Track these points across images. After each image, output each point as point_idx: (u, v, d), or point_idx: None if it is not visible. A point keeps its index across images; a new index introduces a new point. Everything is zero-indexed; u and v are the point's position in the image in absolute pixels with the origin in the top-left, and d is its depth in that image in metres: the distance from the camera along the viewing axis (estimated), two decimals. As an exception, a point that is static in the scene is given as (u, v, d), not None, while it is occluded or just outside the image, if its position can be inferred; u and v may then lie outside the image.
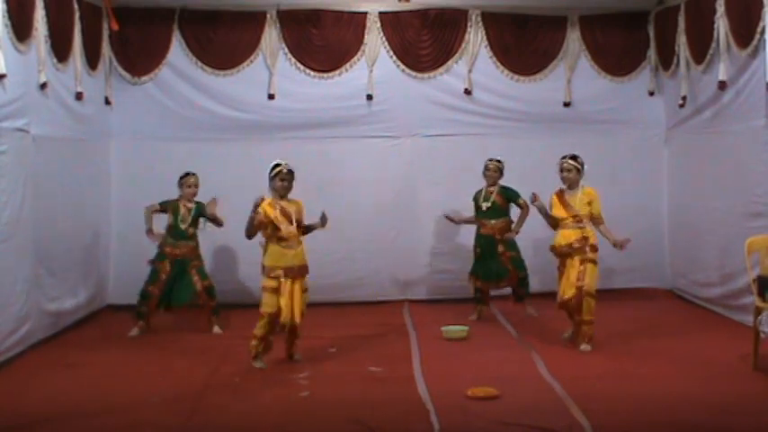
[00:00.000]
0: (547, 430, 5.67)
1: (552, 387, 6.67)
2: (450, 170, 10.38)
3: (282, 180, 7.37)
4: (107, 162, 10.16)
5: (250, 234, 7.35)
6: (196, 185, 8.93)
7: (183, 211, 8.83)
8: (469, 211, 9.55)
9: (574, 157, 7.93)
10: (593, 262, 7.81)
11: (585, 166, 7.92)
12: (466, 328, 8.57)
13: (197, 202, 8.91)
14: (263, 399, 6.54)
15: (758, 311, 6.95)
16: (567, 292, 7.81)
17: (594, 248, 7.83)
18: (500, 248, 9.19)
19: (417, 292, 10.47)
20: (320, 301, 9.66)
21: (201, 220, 8.90)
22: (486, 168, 9.29)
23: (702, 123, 9.61)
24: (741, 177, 8.71)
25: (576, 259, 7.79)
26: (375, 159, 10.36)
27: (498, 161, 9.28)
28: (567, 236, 7.86)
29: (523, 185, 9.52)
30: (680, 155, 10.35)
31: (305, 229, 7.54)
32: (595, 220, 7.90)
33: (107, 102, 10.03)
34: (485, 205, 9.25)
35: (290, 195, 7.44)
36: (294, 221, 7.35)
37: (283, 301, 7.26)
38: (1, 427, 5.83)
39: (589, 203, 7.85)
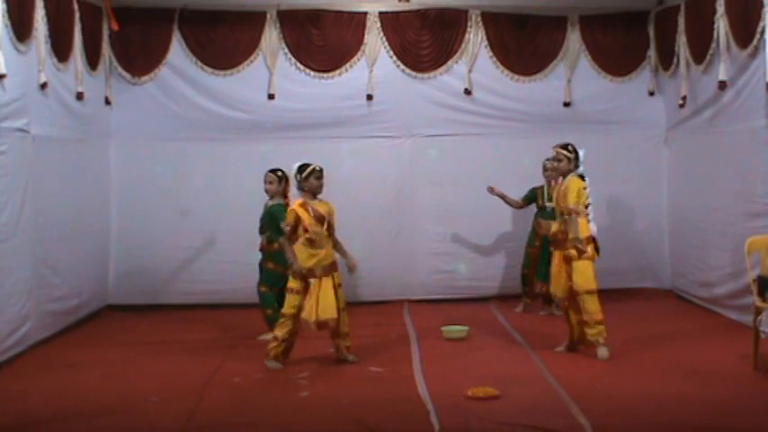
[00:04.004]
0: (547, 430, 5.67)
1: (552, 387, 6.67)
2: (450, 170, 10.40)
3: (318, 178, 7.44)
4: (107, 162, 10.15)
5: (291, 239, 7.42)
6: (270, 182, 8.33)
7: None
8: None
9: (563, 146, 7.73)
10: (583, 258, 7.47)
11: (582, 155, 7.68)
12: (466, 328, 8.57)
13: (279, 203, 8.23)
14: (263, 399, 6.54)
15: (758, 311, 6.95)
16: (557, 291, 7.68)
17: (582, 242, 7.43)
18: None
19: (417, 291, 10.47)
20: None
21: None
22: (545, 168, 9.31)
23: (702, 123, 9.60)
24: (741, 177, 8.70)
25: (559, 255, 7.63)
26: (375, 159, 10.36)
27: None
28: (554, 226, 7.75)
29: (523, 185, 9.60)
30: (680, 155, 10.35)
31: (335, 244, 7.57)
32: (570, 211, 7.45)
33: (107, 102, 10.03)
34: (549, 205, 9.03)
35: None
36: (325, 223, 7.39)
37: (311, 301, 7.28)
38: (1, 427, 5.83)
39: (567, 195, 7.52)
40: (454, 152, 10.40)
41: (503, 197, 9.61)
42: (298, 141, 10.02)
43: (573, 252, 7.49)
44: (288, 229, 7.39)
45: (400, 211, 10.39)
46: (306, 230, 7.35)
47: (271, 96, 10.28)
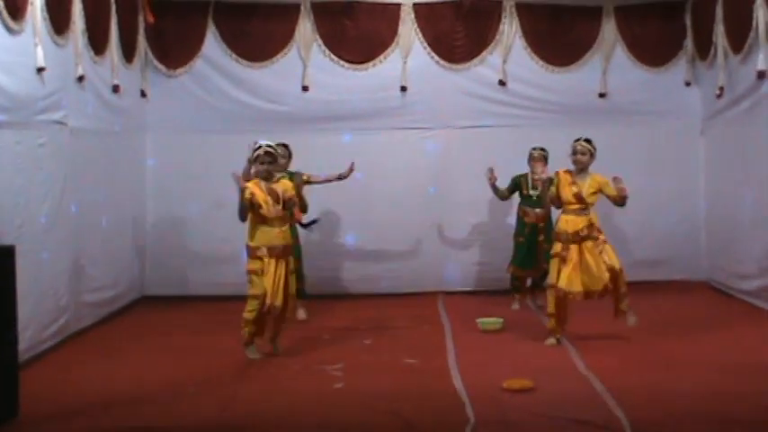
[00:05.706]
0: (583, 423, 5.64)
1: (588, 379, 6.63)
2: (485, 161, 10.29)
3: (262, 163, 7.16)
4: (143, 154, 10.26)
5: (243, 216, 7.18)
6: (283, 156, 8.44)
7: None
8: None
9: (588, 141, 7.71)
10: (606, 241, 7.64)
11: (596, 152, 7.70)
12: (501, 319, 8.55)
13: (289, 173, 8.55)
14: (298, 390, 6.56)
15: (797, 304, 6.89)
16: (597, 283, 7.55)
17: (600, 230, 7.65)
18: (540, 237, 9.18)
19: (452, 283, 10.46)
20: (355, 292, 9.72)
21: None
22: (531, 157, 9.21)
23: (740, 114, 9.49)
24: (779, 168, 8.62)
25: (590, 245, 7.58)
26: (409, 151, 10.37)
27: (542, 149, 9.19)
28: (574, 222, 7.61)
29: (558, 176, 9.53)
30: (717, 146, 10.24)
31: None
32: (615, 201, 7.62)
33: (143, 94, 10.11)
34: (533, 193, 9.20)
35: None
36: (281, 201, 7.19)
37: (267, 282, 7.16)
38: (40, 416, 5.90)
39: (600, 191, 7.60)
40: (488, 143, 10.36)
41: (494, 186, 9.30)
42: (331, 133, 10.04)
43: (602, 236, 7.60)
44: (244, 203, 7.09)
45: (435, 203, 10.38)
46: (260, 207, 7.12)
47: (305, 88, 10.31)
